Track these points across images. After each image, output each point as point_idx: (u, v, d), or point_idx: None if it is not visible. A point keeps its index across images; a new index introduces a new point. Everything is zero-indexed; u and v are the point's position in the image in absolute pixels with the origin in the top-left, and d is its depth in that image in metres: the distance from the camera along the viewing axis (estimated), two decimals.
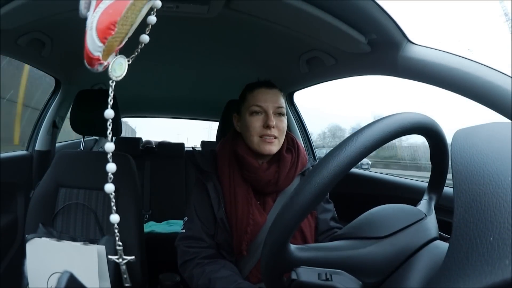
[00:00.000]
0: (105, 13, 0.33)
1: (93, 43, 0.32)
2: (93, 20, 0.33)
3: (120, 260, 0.38)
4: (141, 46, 0.37)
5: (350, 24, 0.82)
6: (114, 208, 0.36)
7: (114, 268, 0.92)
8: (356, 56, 0.96)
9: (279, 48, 1.15)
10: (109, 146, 0.35)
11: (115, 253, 0.93)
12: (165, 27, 1.02)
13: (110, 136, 0.36)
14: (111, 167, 0.35)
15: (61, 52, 1.17)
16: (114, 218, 0.36)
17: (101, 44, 0.32)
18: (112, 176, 0.35)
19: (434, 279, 0.34)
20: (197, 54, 1.31)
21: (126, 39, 0.34)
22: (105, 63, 0.34)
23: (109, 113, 0.35)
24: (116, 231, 0.37)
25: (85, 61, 0.34)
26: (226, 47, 1.21)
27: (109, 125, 0.35)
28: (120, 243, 0.38)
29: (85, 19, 0.35)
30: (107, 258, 0.91)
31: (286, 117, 0.89)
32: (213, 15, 0.90)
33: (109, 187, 0.35)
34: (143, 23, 0.35)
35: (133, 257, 0.39)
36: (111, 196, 0.35)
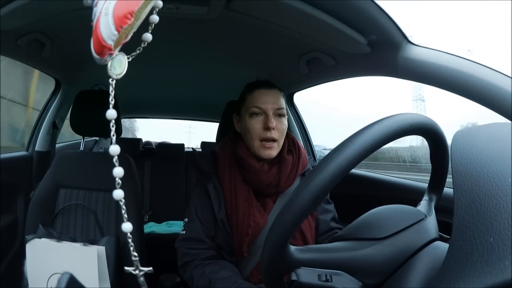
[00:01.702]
0: (123, 0, 0.31)
1: (108, 29, 0.30)
2: (108, 6, 0.31)
3: (137, 271, 0.34)
4: (143, 44, 0.35)
5: (350, 25, 0.82)
6: (126, 216, 0.31)
7: (114, 269, 0.92)
8: (356, 57, 0.96)
9: (279, 49, 1.15)
10: (114, 149, 0.31)
11: (115, 253, 0.94)
12: (165, 28, 1.01)
13: (114, 138, 0.32)
14: (119, 171, 0.31)
15: (61, 53, 1.17)
16: (127, 226, 0.31)
17: (116, 33, 0.30)
18: (120, 181, 0.31)
19: (434, 280, 0.34)
20: (197, 55, 1.31)
21: (131, 34, 0.33)
22: (114, 55, 0.32)
23: (111, 113, 0.32)
24: (130, 240, 0.32)
25: (94, 50, 0.31)
26: (226, 48, 1.22)
27: (112, 126, 0.32)
28: (135, 254, 0.33)
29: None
30: (109, 261, 0.91)
31: (286, 118, 0.89)
32: (213, 16, 0.90)
33: (118, 194, 0.31)
34: (145, 22, 0.34)
35: (150, 268, 0.35)
36: (121, 203, 0.31)
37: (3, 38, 0.93)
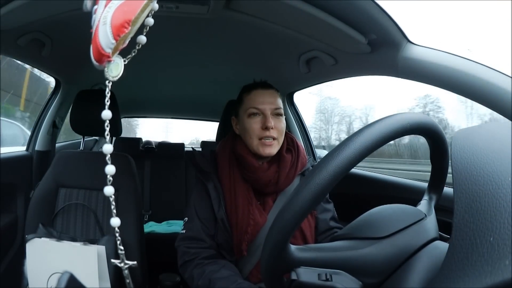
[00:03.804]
0: (120, 10, 0.32)
1: (106, 39, 0.31)
2: (106, 15, 0.32)
3: (122, 264, 0.36)
4: (138, 47, 0.36)
5: (350, 24, 0.82)
6: (115, 211, 0.35)
7: (114, 269, 0.92)
8: (356, 57, 0.96)
9: (279, 48, 1.15)
10: (107, 148, 0.34)
11: (115, 253, 0.94)
12: (165, 28, 1.02)
13: (108, 137, 0.35)
14: (110, 169, 0.34)
15: (61, 52, 1.17)
16: (115, 221, 0.35)
17: (114, 41, 0.31)
18: (111, 178, 0.34)
19: (434, 279, 0.34)
20: (197, 54, 1.31)
21: (128, 40, 0.33)
22: (112, 61, 0.33)
23: (106, 114, 0.34)
24: (117, 235, 0.35)
25: (93, 57, 0.32)
26: (226, 47, 1.21)
27: (107, 126, 0.34)
28: (121, 248, 0.36)
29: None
30: (109, 260, 0.91)
31: (284, 117, 0.89)
32: (213, 15, 0.90)
33: (109, 190, 0.34)
34: (140, 25, 0.35)
35: (135, 262, 0.37)
36: (111, 199, 0.34)
37: (3, 37, 0.93)
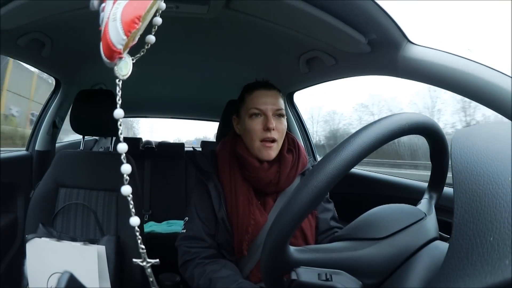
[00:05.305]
0: (129, 6, 0.32)
1: (117, 35, 0.31)
2: (116, 12, 0.32)
3: (145, 263, 0.36)
4: (147, 46, 0.36)
5: (350, 24, 0.82)
6: (133, 210, 0.34)
7: (114, 268, 0.92)
8: (356, 56, 0.96)
9: (279, 48, 1.15)
10: (122, 147, 0.34)
11: (116, 253, 0.94)
12: (165, 27, 1.01)
13: (122, 136, 0.35)
14: (126, 168, 0.33)
15: (61, 52, 1.17)
16: (134, 220, 0.34)
17: (125, 37, 0.31)
18: (128, 177, 0.34)
19: (434, 279, 0.34)
20: (197, 54, 1.31)
21: (138, 37, 0.33)
22: (123, 58, 0.33)
23: (118, 113, 0.34)
24: (138, 234, 0.35)
25: (104, 55, 0.32)
26: (226, 47, 1.21)
27: (120, 125, 0.34)
28: (143, 246, 0.36)
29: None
30: (109, 260, 0.91)
31: (285, 118, 0.89)
32: (213, 15, 0.90)
33: (126, 189, 0.33)
34: (148, 25, 0.35)
35: (157, 260, 0.37)
36: (129, 199, 0.34)
37: (3, 38, 0.93)
